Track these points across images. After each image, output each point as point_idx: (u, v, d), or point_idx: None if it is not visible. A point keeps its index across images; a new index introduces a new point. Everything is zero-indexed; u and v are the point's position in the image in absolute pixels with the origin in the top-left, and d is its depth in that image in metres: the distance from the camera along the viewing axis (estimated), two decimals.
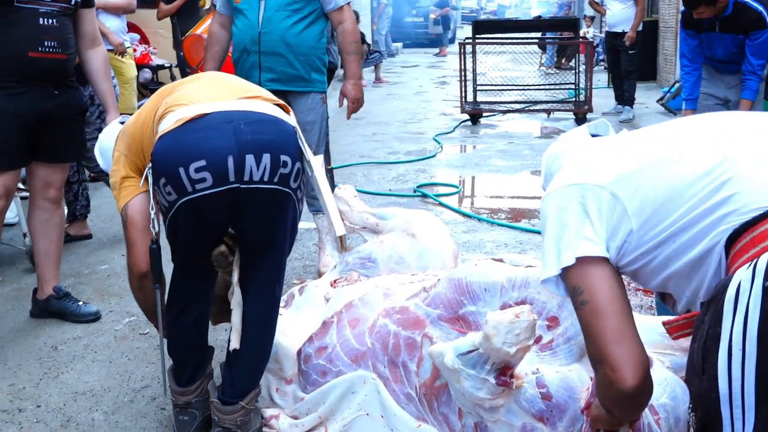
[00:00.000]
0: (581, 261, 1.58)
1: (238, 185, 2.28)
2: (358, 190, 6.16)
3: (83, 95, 3.94)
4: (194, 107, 2.32)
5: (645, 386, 1.55)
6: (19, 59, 3.36)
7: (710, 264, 1.51)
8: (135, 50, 8.07)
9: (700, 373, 1.43)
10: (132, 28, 8.69)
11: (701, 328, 1.45)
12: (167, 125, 2.31)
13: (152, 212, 2.45)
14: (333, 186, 4.30)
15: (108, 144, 2.83)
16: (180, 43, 7.54)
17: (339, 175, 6.81)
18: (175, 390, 2.64)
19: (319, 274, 4.01)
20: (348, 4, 4.14)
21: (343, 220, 3.38)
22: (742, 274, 1.39)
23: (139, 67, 8.29)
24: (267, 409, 2.70)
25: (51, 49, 3.43)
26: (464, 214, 5.57)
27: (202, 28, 6.58)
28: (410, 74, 16.56)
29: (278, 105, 2.50)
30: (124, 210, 2.55)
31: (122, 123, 2.90)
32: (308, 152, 2.47)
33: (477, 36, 10.21)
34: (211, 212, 2.34)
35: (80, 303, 3.76)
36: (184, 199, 2.27)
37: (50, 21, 3.42)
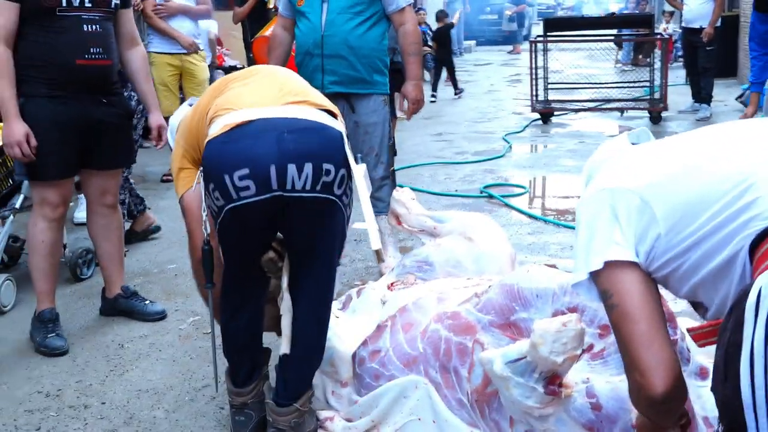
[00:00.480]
0: (610, 265, 1.57)
1: (281, 193, 2.30)
2: (423, 191, 6.25)
3: (129, 99, 4.02)
4: (240, 113, 2.36)
5: (675, 392, 1.52)
6: (67, 67, 3.39)
7: (736, 270, 1.48)
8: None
9: (724, 381, 1.39)
10: None
11: (724, 335, 1.41)
12: (215, 130, 2.36)
13: (204, 214, 2.51)
14: (394, 186, 4.32)
15: (177, 123, 2.93)
16: (250, 45, 7.67)
17: (406, 175, 6.83)
18: (231, 390, 2.68)
19: (381, 275, 4.02)
20: (409, 5, 4.14)
21: (400, 223, 3.39)
22: (763, 280, 1.35)
23: (212, 68, 8.46)
24: (322, 411, 2.72)
25: (97, 56, 3.45)
26: (530, 216, 5.50)
27: (270, 30, 6.65)
28: (482, 72, 16.46)
29: (325, 110, 2.50)
30: (181, 200, 2.65)
31: (191, 105, 2.98)
32: (351, 159, 2.46)
33: (549, 34, 10.06)
34: (256, 219, 2.38)
35: (147, 302, 3.86)
36: (230, 205, 2.32)
37: (94, 27, 3.44)
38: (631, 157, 1.73)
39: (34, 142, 3.32)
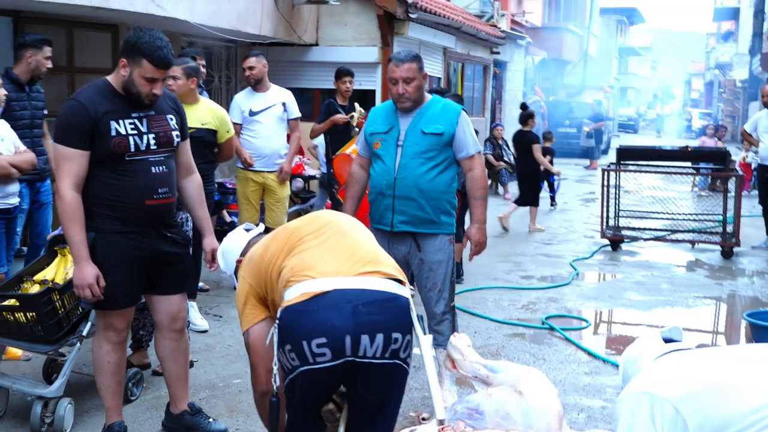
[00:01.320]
0: None
1: (353, 359, 2.55)
2: (486, 317, 6.36)
3: (185, 228, 4.25)
4: (317, 283, 2.60)
5: None
6: (137, 208, 3.57)
7: None
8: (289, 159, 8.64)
9: None
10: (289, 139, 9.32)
11: None
12: (293, 296, 2.60)
13: (275, 368, 2.73)
14: (455, 327, 4.47)
15: (230, 248, 3.19)
16: (330, 160, 8.03)
17: (469, 298, 6.96)
18: None
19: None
20: (479, 152, 4.38)
21: (455, 367, 3.54)
22: None
23: (292, 176, 8.83)
24: None
25: (163, 195, 3.64)
26: (589, 353, 5.54)
27: (351, 149, 6.97)
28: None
29: (393, 278, 2.71)
30: (246, 335, 2.88)
31: (247, 230, 3.21)
32: (418, 329, 2.69)
33: (622, 162, 10.20)
34: (326, 381, 2.62)
35: (210, 420, 4.04)
36: (305, 368, 2.57)
37: (161, 168, 3.64)
38: (670, 363, 1.88)
39: (103, 283, 3.52)
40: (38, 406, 3.88)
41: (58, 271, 4.16)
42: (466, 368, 3.46)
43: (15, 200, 5.17)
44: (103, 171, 3.53)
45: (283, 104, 6.95)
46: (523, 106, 12.49)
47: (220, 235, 8.60)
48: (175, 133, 3.72)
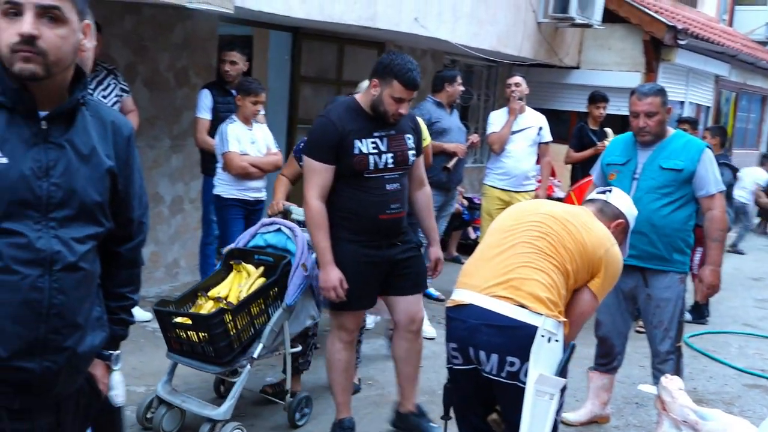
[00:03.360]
0: None
1: (478, 367, 2.95)
2: (724, 363, 6.01)
3: (416, 232, 4.40)
4: (465, 294, 3.02)
5: None
6: (371, 221, 3.82)
7: None
8: (540, 181, 8.70)
9: None
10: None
11: None
12: (450, 299, 3.10)
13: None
14: (679, 368, 4.33)
15: None
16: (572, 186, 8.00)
17: (711, 341, 6.62)
18: None
19: None
20: (720, 192, 4.22)
21: (665, 409, 3.45)
22: None
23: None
24: None
25: (395, 210, 3.86)
26: None
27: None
28: None
29: (522, 305, 2.88)
30: None
31: None
32: (531, 363, 2.81)
33: None
34: (465, 382, 3.07)
35: (432, 423, 4.24)
36: (448, 366, 3.11)
37: (395, 185, 3.86)
38: None
39: (346, 285, 3.79)
40: (206, 428, 3.82)
41: (232, 288, 4.15)
42: (676, 411, 3.36)
43: (257, 194, 5.62)
44: (343, 185, 3.79)
45: (540, 128, 7.09)
46: None
47: (464, 248, 8.92)
48: (411, 152, 3.94)
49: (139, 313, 5.63)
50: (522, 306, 2.87)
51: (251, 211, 5.67)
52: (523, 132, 7.07)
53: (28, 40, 1.87)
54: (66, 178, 1.97)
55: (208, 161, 6.01)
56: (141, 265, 2.36)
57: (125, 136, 2.16)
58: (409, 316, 4.11)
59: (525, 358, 2.81)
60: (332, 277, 3.77)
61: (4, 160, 1.90)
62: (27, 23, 1.88)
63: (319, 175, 3.77)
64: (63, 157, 1.98)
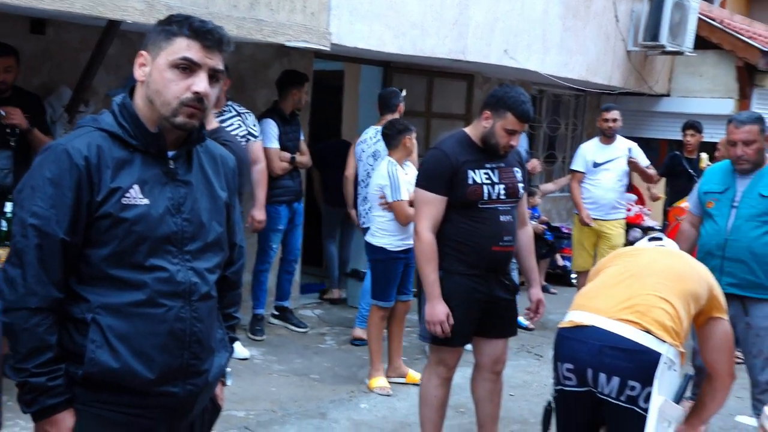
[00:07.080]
0: None
1: (594, 390, 2.88)
2: None
3: (513, 275, 4.35)
4: (584, 315, 2.97)
5: None
6: (484, 253, 3.76)
7: None
8: (629, 209, 8.62)
9: None
10: (633, 189, 9.29)
11: None
12: (565, 320, 3.04)
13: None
14: None
15: None
16: (666, 212, 7.90)
17: None
18: None
19: None
20: None
21: None
22: None
23: (631, 225, 8.76)
24: None
25: (507, 243, 3.81)
26: None
27: (685, 203, 6.82)
28: None
29: (647, 330, 2.84)
30: None
31: None
32: (655, 387, 2.78)
33: None
34: (575, 404, 3.00)
35: None
36: (558, 387, 3.02)
37: (507, 217, 3.80)
38: None
39: (452, 320, 3.72)
40: None
41: None
42: None
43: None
44: (457, 215, 3.75)
45: (629, 149, 7.20)
46: None
47: (553, 277, 8.87)
48: (520, 185, 3.91)
49: (241, 350, 5.68)
50: (647, 332, 2.85)
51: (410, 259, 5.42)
52: (612, 162, 7.10)
53: (200, 99, 2.05)
54: (194, 213, 2.14)
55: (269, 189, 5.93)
56: (241, 286, 2.51)
57: (231, 168, 2.33)
58: (493, 359, 4.02)
59: (646, 383, 2.79)
60: (439, 311, 3.72)
61: (147, 201, 2.06)
62: (204, 83, 2.05)
63: (432, 206, 3.76)
64: (190, 193, 2.14)
